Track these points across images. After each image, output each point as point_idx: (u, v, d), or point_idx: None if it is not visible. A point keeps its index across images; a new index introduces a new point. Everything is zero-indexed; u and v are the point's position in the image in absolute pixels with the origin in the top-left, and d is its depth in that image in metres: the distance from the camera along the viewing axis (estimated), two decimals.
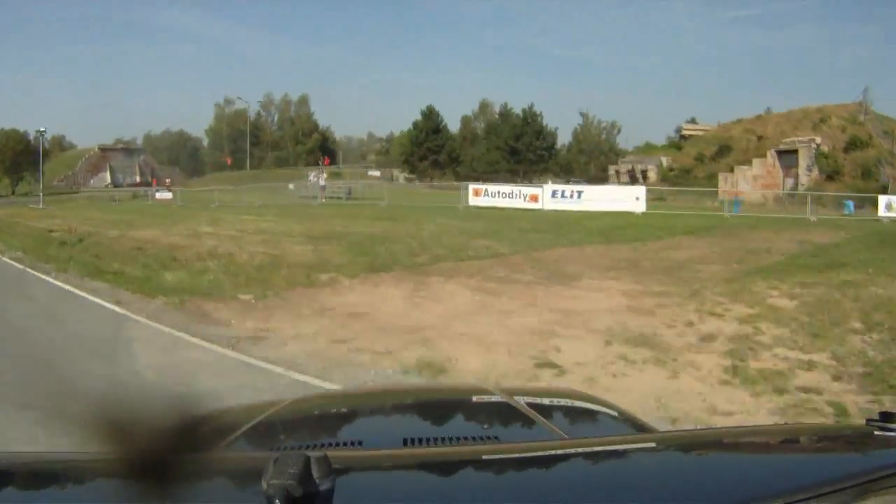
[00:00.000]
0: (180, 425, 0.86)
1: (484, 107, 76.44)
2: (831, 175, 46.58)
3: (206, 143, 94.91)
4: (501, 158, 64.89)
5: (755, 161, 50.41)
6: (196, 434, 0.91)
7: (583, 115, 67.37)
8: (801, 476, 1.04)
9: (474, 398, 2.46)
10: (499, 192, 31.24)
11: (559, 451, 1.33)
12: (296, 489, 0.77)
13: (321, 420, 2.21)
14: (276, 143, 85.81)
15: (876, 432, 1.21)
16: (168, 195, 40.97)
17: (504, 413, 2.02)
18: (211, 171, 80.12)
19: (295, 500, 0.77)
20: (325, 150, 79.61)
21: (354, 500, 0.89)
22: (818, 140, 48.50)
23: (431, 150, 67.72)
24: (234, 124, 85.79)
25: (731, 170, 49.69)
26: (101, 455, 0.93)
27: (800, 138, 49.43)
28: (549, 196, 29.96)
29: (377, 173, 55.14)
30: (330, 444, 1.66)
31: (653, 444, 1.49)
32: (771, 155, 50.59)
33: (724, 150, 54.40)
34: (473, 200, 30.29)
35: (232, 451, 1.63)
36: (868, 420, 1.26)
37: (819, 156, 48.44)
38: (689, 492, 0.99)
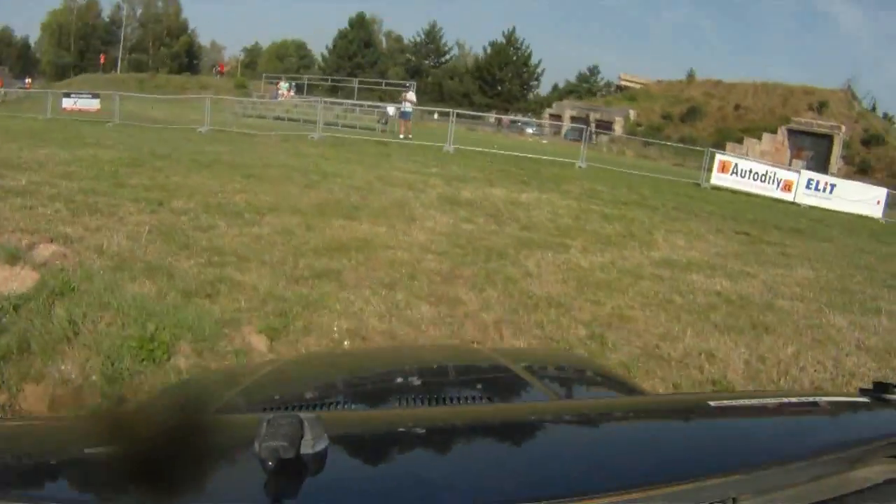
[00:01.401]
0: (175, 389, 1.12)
1: (360, 20, 57.89)
2: (864, 169, 41.65)
3: (34, 40, 73.21)
4: (478, 90, 48.62)
5: (765, 136, 46.33)
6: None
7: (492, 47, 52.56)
8: (792, 444, 0.99)
9: (469, 359, 2.30)
10: (750, 172, 19.34)
11: (554, 414, 1.24)
12: (289, 451, 0.74)
13: (314, 381, 1.98)
14: (136, 43, 63.73)
15: (870, 401, 1.14)
16: (93, 105, 20.35)
17: (499, 375, 1.88)
18: (53, 74, 59.84)
19: (288, 461, 0.74)
20: (191, 56, 58.36)
21: (348, 461, 0.88)
22: (843, 128, 44.43)
23: (360, 67, 49.09)
24: (83, 18, 65.65)
25: (741, 141, 44.87)
26: (91, 420, 0.97)
27: (820, 121, 45.62)
28: (804, 186, 19.79)
29: (285, 87, 36.44)
30: (323, 406, 1.52)
31: (647, 408, 1.35)
32: (782, 132, 46.29)
33: (693, 112, 50.58)
34: (718, 178, 18.82)
35: (224, 413, 1.47)
36: (861, 389, 1.18)
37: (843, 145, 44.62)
38: (683, 456, 0.95)
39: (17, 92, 35.51)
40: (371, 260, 5.32)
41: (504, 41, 51.43)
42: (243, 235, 5.76)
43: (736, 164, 19.22)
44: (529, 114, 49.83)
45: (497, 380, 1.85)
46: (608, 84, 62.49)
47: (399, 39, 63.36)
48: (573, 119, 48.65)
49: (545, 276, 5.55)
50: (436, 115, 29.99)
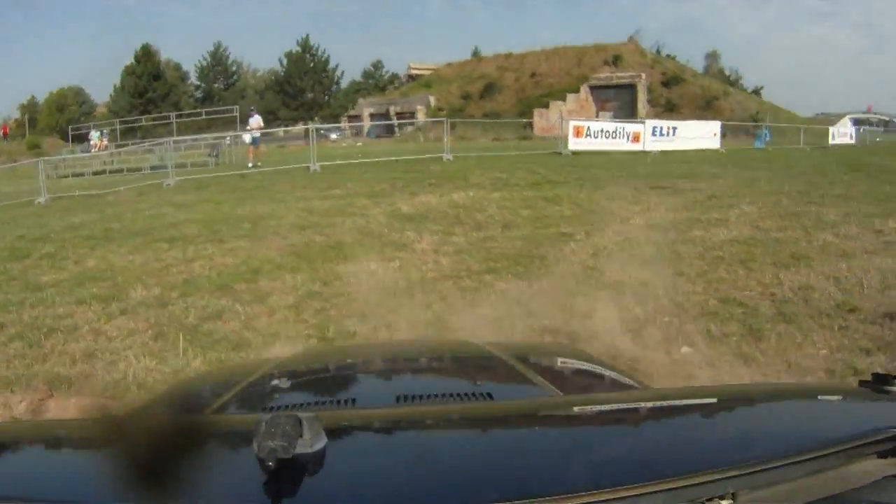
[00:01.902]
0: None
1: (146, 53, 54.65)
2: (670, 108, 46.50)
3: None
4: (282, 105, 47.33)
5: (569, 96, 49.14)
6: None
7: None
8: (791, 438, 0.99)
9: (467, 354, 2.38)
10: (602, 132, 21.23)
11: (552, 410, 1.28)
12: (287, 450, 0.74)
13: (312, 379, 2.06)
14: None
15: (870, 394, 1.15)
16: None
17: (498, 370, 1.95)
18: None
19: (286, 461, 0.74)
20: None
21: (347, 459, 0.88)
22: (643, 76, 48.29)
23: (153, 102, 46.02)
24: None
25: (547, 105, 47.37)
26: (91, 422, 1.01)
27: (619, 74, 49.43)
28: (651, 134, 21.80)
29: (96, 136, 33.97)
30: (321, 404, 1.61)
31: (645, 403, 1.37)
32: (584, 90, 49.51)
33: (491, 88, 52.52)
34: (574, 143, 20.05)
35: (223, 412, 1.55)
36: (861, 382, 1.19)
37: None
38: (681, 450, 0.96)
39: None
40: (453, 293, 5.14)
41: (300, 49, 50.57)
42: (279, 310, 5.34)
43: (588, 127, 20.82)
44: (336, 119, 49.88)
45: (495, 376, 1.89)
46: (394, 76, 63.72)
47: (178, 67, 59.95)
48: (373, 116, 49.40)
49: (607, 265, 5.74)
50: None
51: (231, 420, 1.31)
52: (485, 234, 7.46)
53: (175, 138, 21.43)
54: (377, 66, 64.17)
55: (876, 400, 1.13)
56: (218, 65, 57.18)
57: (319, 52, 51.58)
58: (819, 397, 1.39)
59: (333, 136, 43.72)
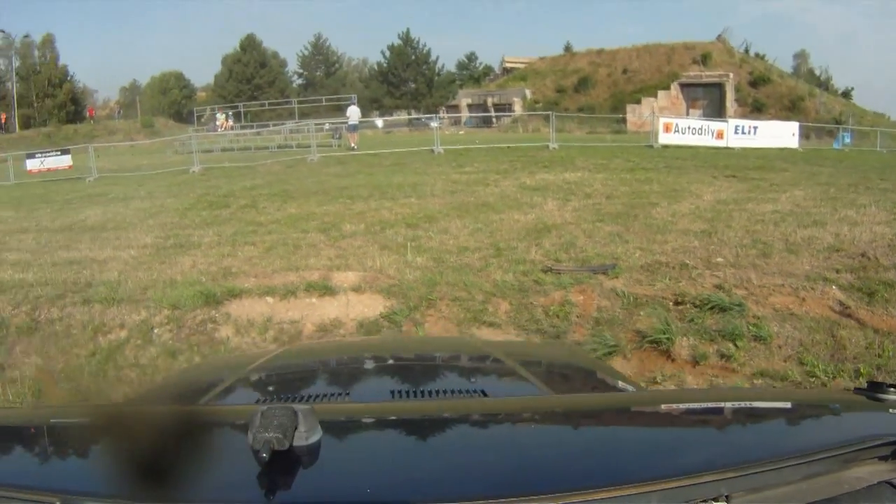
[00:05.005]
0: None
1: (251, 42, 58.77)
2: (757, 108, 46.99)
3: None
4: (385, 94, 51.06)
5: (660, 93, 50.62)
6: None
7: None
8: (786, 443, 1.02)
9: (462, 352, 2.40)
10: (689, 128, 23.61)
11: (547, 409, 1.29)
12: (282, 442, 0.75)
13: (308, 372, 2.09)
14: (19, 98, 57.62)
15: (864, 401, 1.17)
16: (64, 162, 19.98)
17: (492, 368, 1.97)
18: None
19: (282, 453, 0.75)
20: (76, 103, 56.69)
21: (341, 452, 0.88)
22: (731, 75, 49.29)
23: (260, 88, 50.59)
24: None
25: (639, 101, 49.24)
26: (88, 410, 1.11)
27: (707, 72, 50.72)
28: (733, 132, 23.86)
29: (222, 117, 38.64)
30: (317, 397, 1.58)
31: (641, 404, 1.39)
32: (675, 87, 50.82)
33: (585, 82, 54.54)
34: (664, 137, 22.49)
35: (218, 403, 1.56)
36: (856, 389, 1.22)
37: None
38: (676, 452, 0.96)
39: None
40: (576, 231, 7.92)
41: (401, 42, 54.12)
42: (460, 236, 8.25)
43: (676, 124, 23.14)
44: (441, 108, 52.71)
45: (491, 374, 1.95)
46: (488, 68, 66.15)
47: (276, 55, 64.37)
48: (470, 107, 52.17)
49: (680, 220, 8.38)
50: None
51: (227, 411, 1.32)
52: (593, 201, 10.16)
53: (306, 122, 24.77)
54: (471, 57, 67.58)
55: (870, 407, 1.15)
56: (319, 54, 61.29)
57: (420, 45, 55.01)
58: (814, 404, 1.41)
59: (433, 124, 46.21)
